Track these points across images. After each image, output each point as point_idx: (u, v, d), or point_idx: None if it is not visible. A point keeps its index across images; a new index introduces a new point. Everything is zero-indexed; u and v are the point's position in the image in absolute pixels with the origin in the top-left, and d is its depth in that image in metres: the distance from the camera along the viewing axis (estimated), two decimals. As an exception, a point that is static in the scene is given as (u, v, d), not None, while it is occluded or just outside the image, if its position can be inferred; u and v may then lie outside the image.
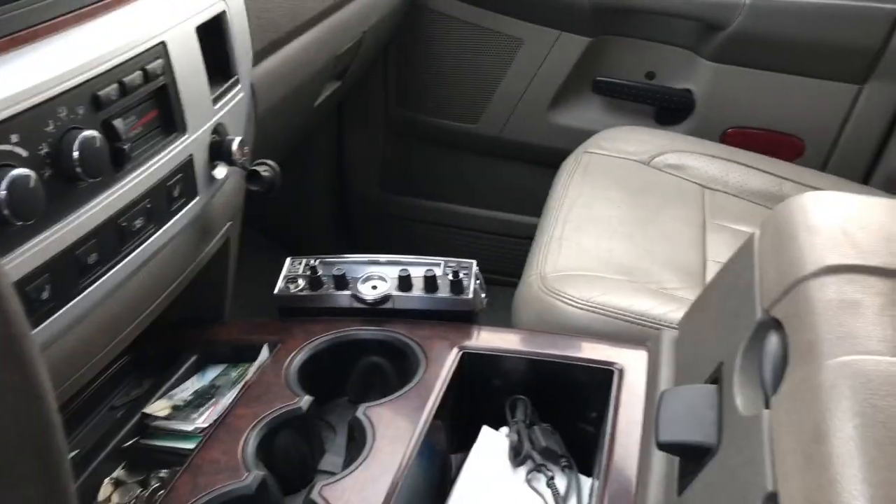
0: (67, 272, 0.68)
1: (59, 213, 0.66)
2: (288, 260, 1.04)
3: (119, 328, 0.81)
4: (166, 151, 0.79)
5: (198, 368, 1.00)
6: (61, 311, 0.67)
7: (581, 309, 1.04)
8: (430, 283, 0.98)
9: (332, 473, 0.81)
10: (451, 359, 0.92)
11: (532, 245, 1.24)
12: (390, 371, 0.96)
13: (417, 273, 0.98)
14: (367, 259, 1.03)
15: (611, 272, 1.13)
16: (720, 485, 0.59)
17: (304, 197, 1.92)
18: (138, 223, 0.76)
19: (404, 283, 0.98)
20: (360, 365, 0.97)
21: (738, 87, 1.63)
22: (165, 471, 0.86)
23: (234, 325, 1.06)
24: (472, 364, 0.94)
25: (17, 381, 0.32)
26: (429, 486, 0.86)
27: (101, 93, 0.69)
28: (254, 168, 0.95)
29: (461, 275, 0.98)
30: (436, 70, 1.78)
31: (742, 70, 1.61)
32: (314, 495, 0.75)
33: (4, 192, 0.58)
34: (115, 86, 0.71)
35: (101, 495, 0.84)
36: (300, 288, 1.00)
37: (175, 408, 0.92)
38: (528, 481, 0.85)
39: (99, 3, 0.73)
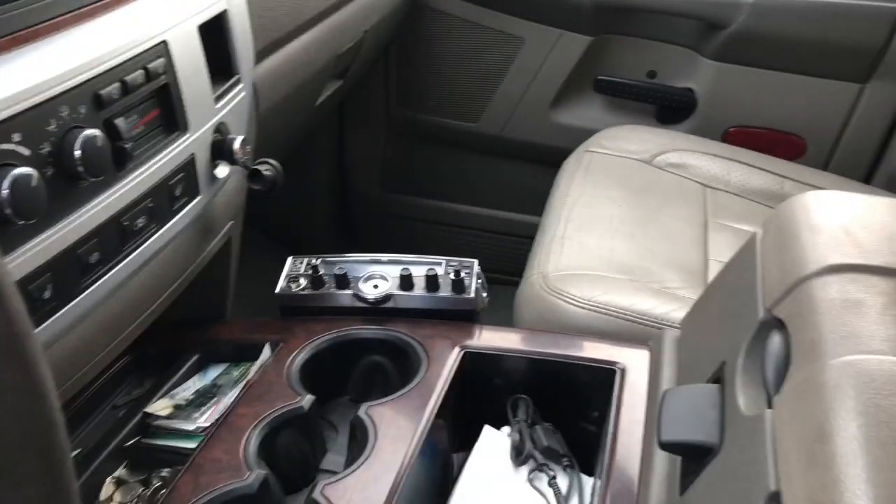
0: (69, 271, 0.68)
1: (60, 212, 0.66)
2: (289, 259, 1.04)
3: (121, 327, 0.81)
4: (168, 150, 0.79)
5: (199, 368, 1.00)
6: (63, 311, 0.67)
7: (583, 308, 1.04)
8: (432, 282, 0.97)
9: (334, 473, 0.80)
10: (453, 358, 0.92)
11: (534, 244, 1.24)
12: (392, 370, 0.96)
13: (419, 272, 0.98)
14: (368, 258, 1.03)
15: (612, 271, 1.13)
16: (722, 484, 0.59)
17: (305, 196, 1.92)
18: (140, 222, 0.76)
19: (406, 282, 0.98)
20: (362, 364, 0.97)
21: (739, 86, 1.63)
22: (167, 470, 0.86)
23: (235, 325, 1.06)
24: (474, 363, 0.94)
25: (20, 380, 0.32)
26: (431, 485, 0.86)
27: (102, 92, 0.69)
28: (255, 167, 0.95)
29: (463, 274, 0.98)
30: (437, 69, 1.78)
31: (744, 69, 1.61)
32: (316, 494, 0.75)
33: (6, 192, 0.58)
34: (116, 85, 0.71)
35: (103, 494, 0.84)
36: (302, 287, 1.00)
37: (177, 407, 0.92)
38: (530, 481, 0.85)
39: (100, 3, 0.73)
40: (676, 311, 1.01)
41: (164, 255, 0.83)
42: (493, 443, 0.89)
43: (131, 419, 0.90)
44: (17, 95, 0.60)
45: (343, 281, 0.99)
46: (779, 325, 0.62)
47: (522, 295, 1.12)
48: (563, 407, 0.92)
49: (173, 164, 0.80)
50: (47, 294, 0.65)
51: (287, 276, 1.02)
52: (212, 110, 0.87)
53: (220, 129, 0.89)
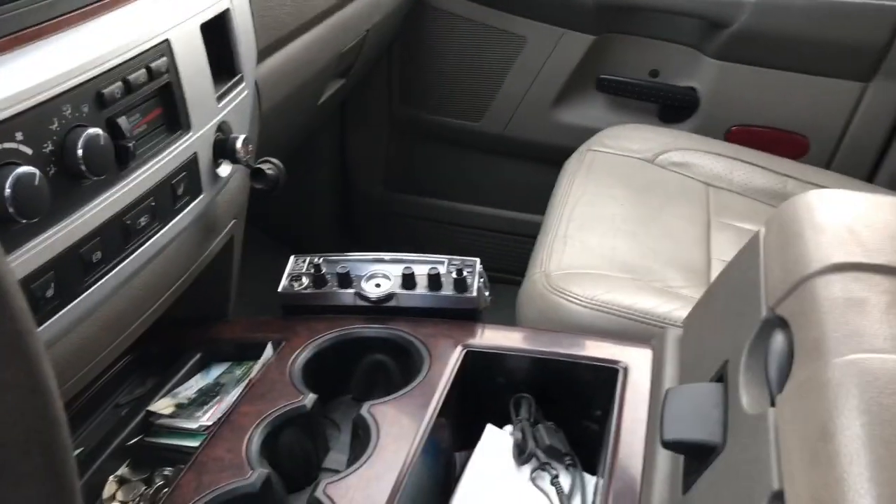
0: (72, 270, 0.68)
1: (63, 210, 0.66)
2: (292, 258, 1.04)
3: (123, 326, 0.81)
4: (171, 149, 0.79)
5: (202, 366, 1.00)
6: (66, 309, 0.67)
7: (585, 307, 1.04)
8: (434, 281, 0.97)
9: (337, 471, 0.80)
10: (455, 357, 0.92)
11: (536, 243, 1.24)
12: (394, 369, 0.96)
13: (421, 271, 0.98)
14: (370, 257, 1.03)
15: (615, 270, 1.13)
16: (725, 483, 0.59)
17: (307, 195, 1.92)
18: (143, 221, 0.76)
19: (408, 281, 0.98)
20: (364, 363, 0.97)
21: (742, 84, 1.63)
22: (170, 468, 0.86)
23: (238, 323, 1.06)
24: (476, 362, 0.94)
25: (22, 379, 0.32)
26: (433, 484, 0.86)
27: (105, 91, 0.69)
28: (258, 166, 0.95)
29: (465, 273, 0.98)
30: (439, 68, 1.78)
31: (746, 68, 1.61)
32: (318, 493, 0.75)
33: (9, 191, 0.58)
34: (119, 84, 0.71)
35: (106, 493, 0.84)
36: (304, 286, 1.00)
37: (179, 406, 0.92)
38: (533, 479, 0.85)
39: (102, 2, 0.73)
40: (679, 310, 1.01)
41: (166, 253, 0.83)
42: (496, 442, 0.89)
43: (134, 418, 0.90)
44: (20, 94, 0.60)
45: (345, 280, 0.99)
46: (782, 323, 0.62)
47: (525, 294, 1.12)
48: (565, 406, 0.92)
49: (176, 162, 0.80)
50: (50, 293, 0.65)
51: (289, 274, 1.02)
52: (214, 109, 0.87)
53: (222, 127, 0.89)
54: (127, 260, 0.75)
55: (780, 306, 0.63)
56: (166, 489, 0.79)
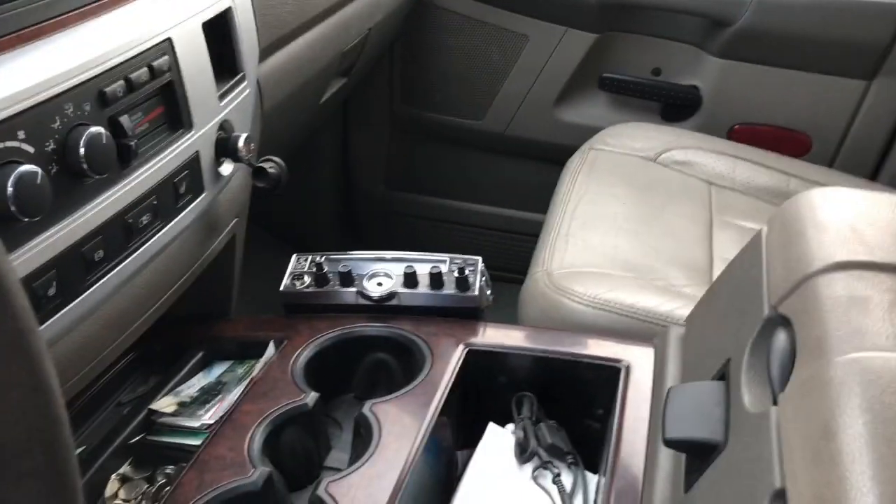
0: (74, 269, 0.68)
1: (65, 209, 0.66)
2: (294, 257, 1.04)
3: (125, 324, 0.81)
4: (173, 148, 0.79)
5: (204, 365, 1.00)
6: (68, 308, 0.68)
7: (587, 306, 1.04)
8: (436, 279, 0.97)
9: (339, 470, 0.80)
10: (457, 355, 0.92)
11: (538, 242, 1.24)
12: (396, 368, 0.96)
13: (423, 270, 0.98)
14: (372, 256, 1.03)
15: (617, 269, 1.13)
16: (727, 482, 0.59)
17: (309, 194, 1.92)
18: (145, 219, 0.76)
19: (410, 279, 0.98)
20: (366, 361, 0.97)
21: (744, 83, 1.62)
22: (172, 467, 0.86)
23: (240, 322, 1.06)
24: (478, 361, 0.94)
25: (25, 376, 0.32)
26: (435, 482, 0.86)
27: (107, 89, 0.69)
28: (260, 164, 0.95)
29: (467, 271, 0.98)
30: (441, 67, 1.78)
31: (749, 66, 1.61)
32: (320, 492, 0.75)
33: (11, 189, 0.58)
34: (121, 82, 0.71)
35: (108, 491, 0.84)
36: (306, 285, 1.00)
37: (181, 404, 0.92)
38: (535, 478, 0.85)
39: (103, 1, 0.73)
40: (681, 309, 1.01)
41: (168, 252, 0.83)
42: (498, 440, 0.89)
43: (136, 416, 0.90)
44: (22, 93, 0.60)
45: (347, 278, 0.99)
46: (784, 322, 0.62)
47: (527, 292, 1.12)
48: (567, 404, 0.92)
49: (178, 161, 0.81)
50: (52, 291, 0.65)
51: (291, 273, 1.02)
52: (216, 108, 0.87)
53: (224, 126, 0.89)
54: (129, 259, 0.75)
55: (783, 305, 0.63)
56: (168, 487, 0.79)
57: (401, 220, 1.98)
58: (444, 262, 1.00)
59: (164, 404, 0.92)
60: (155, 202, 0.78)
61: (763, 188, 1.41)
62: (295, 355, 0.93)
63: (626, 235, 1.21)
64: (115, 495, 0.84)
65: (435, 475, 0.86)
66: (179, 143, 0.80)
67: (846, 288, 0.58)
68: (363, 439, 0.83)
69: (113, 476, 0.85)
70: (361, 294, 0.98)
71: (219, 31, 0.88)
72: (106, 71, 0.69)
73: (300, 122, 1.41)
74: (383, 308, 0.98)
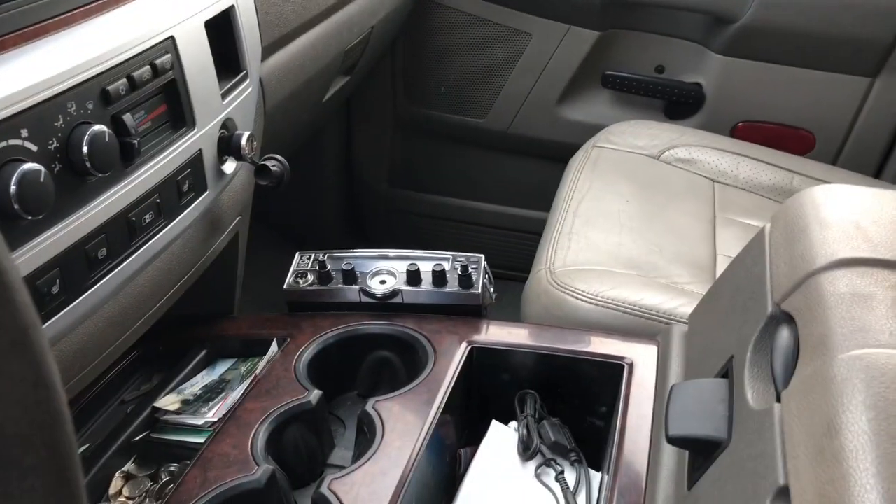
0: (77, 267, 0.68)
1: (68, 207, 0.66)
2: (297, 255, 1.04)
3: (129, 323, 0.81)
4: (175, 146, 0.79)
5: (207, 363, 1.00)
6: (71, 306, 0.68)
7: (590, 303, 1.04)
8: (439, 277, 0.97)
9: (342, 467, 0.81)
10: (460, 353, 0.92)
11: (541, 239, 1.24)
12: (399, 365, 0.96)
13: (426, 268, 0.98)
14: (375, 254, 1.03)
15: (620, 266, 1.13)
16: (730, 479, 0.59)
17: (312, 192, 1.92)
18: (148, 218, 0.77)
19: (413, 277, 0.98)
20: (369, 359, 0.97)
21: (748, 80, 1.62)
22: (175, 464, 0.86)
23: (243, 320, 1.06)
24: (481, 358, 0.94)
25: (27, 373, 0.32)
26: (438, 480, 0.86)
27: (110, 88, 0.69)
28: (263, 163, 0.95)
29: (470, 269, 0.98)
30: (444, 65, 1.78)
31: (752, 63, 1.60)
32: (323, 489, 0.75)
33: (14, 187, 0.58)
34: (124, 81, 0.71)
35: (112, 489, 0.84)
36: (309, 282, 1.00)
37: (185, 402, 0.92)
38: (538, 476, 0.85)
39: (106, -1, 0.73)
40: (684, 306, 1.00)
41: (171, 250, 0.83)
42: (501, 438, 0.89)
43: (140, 414, 0.90)
44: (25, 91, 0.60)
45: (350, 276, 0.99)
46: (787, 319, 0.62)
47: (530, 290, 1.12)
48: (570, 402, 0.92)
49: (181, 159, 0.81)
50: (55, 290, 0.65)
51: (294, 271, 1.02)
52: (219, 106, 0.87)
53: (227, 124, 0.89)
54: (132, 257, 0.75)
55: (786, 302, 0.63)
56: (172, 485, 0.79)
57: (404, 218, 1.98)
58: (447, 259, 1.00)
59: (168, 402, 0.92)
60: (158, 200, 0.78)
61: (766, 185, 1.41)
62: (298, 353, 0.93)
63: (629, 233, 1.21)
64: (119, 493, 0.84)
65: (438, 473, 0.86)
66: (182, 141, 0.80)
67: (850, 285, 0.58)
68: (366, 437, 0.83)
69: (117, 473, 0.85)
70: (364, 292, 0.98)
71: (221, 29, 0.88)
72: (109, 69, 0.69)
73: (303, 120, 1.41)
74: (386, 306, 0.98)
